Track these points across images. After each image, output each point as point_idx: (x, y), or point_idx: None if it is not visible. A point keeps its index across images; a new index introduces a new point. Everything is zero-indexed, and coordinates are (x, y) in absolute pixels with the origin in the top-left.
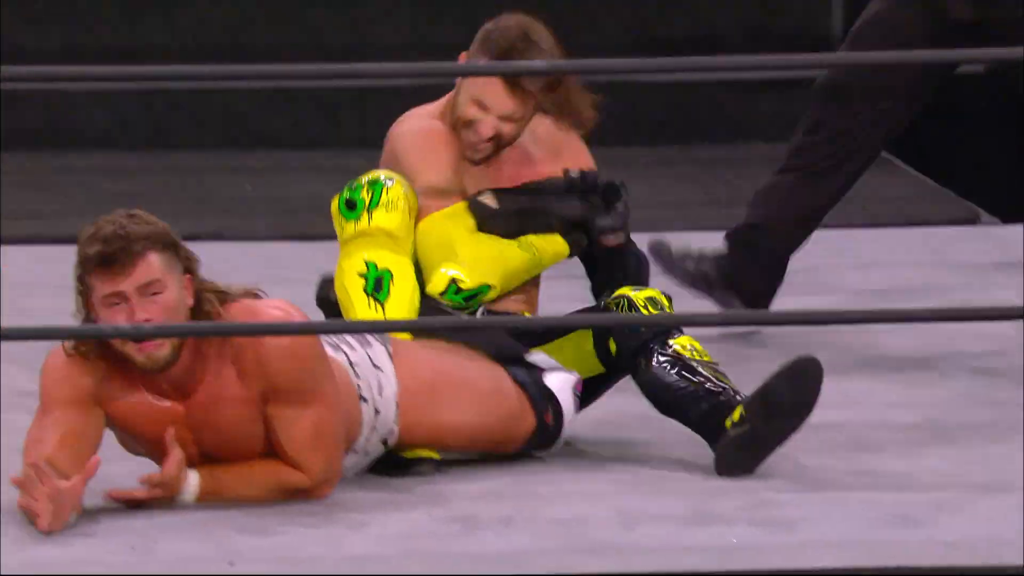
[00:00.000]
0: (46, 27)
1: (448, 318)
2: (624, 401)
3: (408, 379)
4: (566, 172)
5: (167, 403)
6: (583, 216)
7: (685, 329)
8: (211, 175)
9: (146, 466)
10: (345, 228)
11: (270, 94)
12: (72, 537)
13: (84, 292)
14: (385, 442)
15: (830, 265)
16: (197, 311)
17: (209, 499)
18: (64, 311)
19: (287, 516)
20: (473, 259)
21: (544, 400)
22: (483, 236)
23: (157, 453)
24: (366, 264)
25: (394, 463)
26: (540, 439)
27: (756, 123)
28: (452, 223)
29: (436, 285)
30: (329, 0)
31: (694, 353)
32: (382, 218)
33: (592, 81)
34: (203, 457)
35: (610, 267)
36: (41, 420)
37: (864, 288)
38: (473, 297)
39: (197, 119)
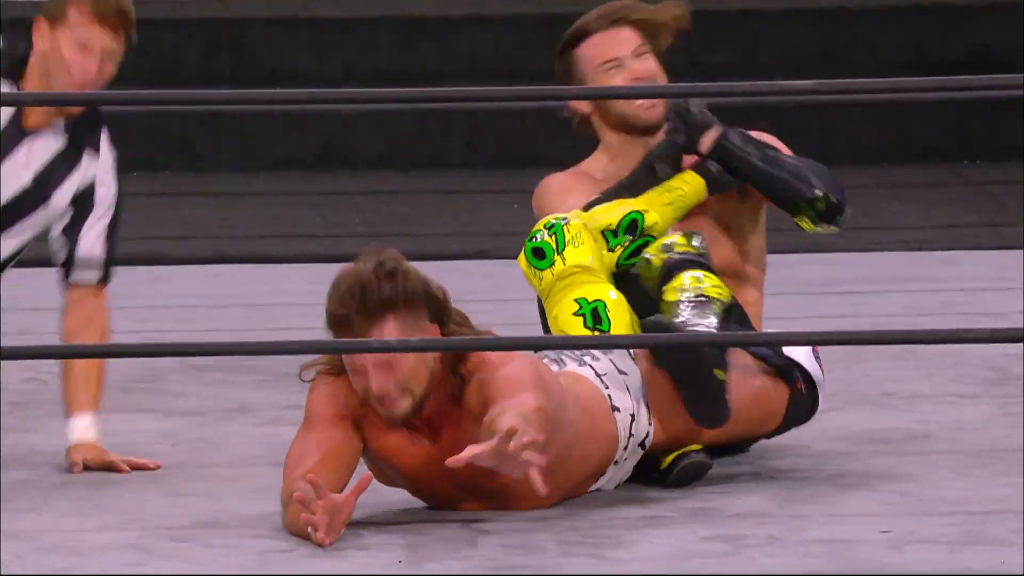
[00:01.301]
0: (328, 54)
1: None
2: (889, 416)
3: (653, 377)
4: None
5: (419, 439)
6: (673, 141)
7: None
8: (481, 196)
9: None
10: (543, 277)
11: (540, 116)
12: (343, 550)
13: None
14: (643, 444)
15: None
16: (442, 364)
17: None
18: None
19: (553, 532)
20: (608, 210)
21: (790, 368)
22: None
23: (411, 486)
24: (577, 303)
25: (659, 469)
26: (798, 410)
27: None
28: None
29: (606, 256)
30: None
31: (677, 293)
32: (573, 255)
33: (865, 101)
34: (457, 489)
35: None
36: (304, 437)
37: None
38: (633, 228)
39: (468, 141)
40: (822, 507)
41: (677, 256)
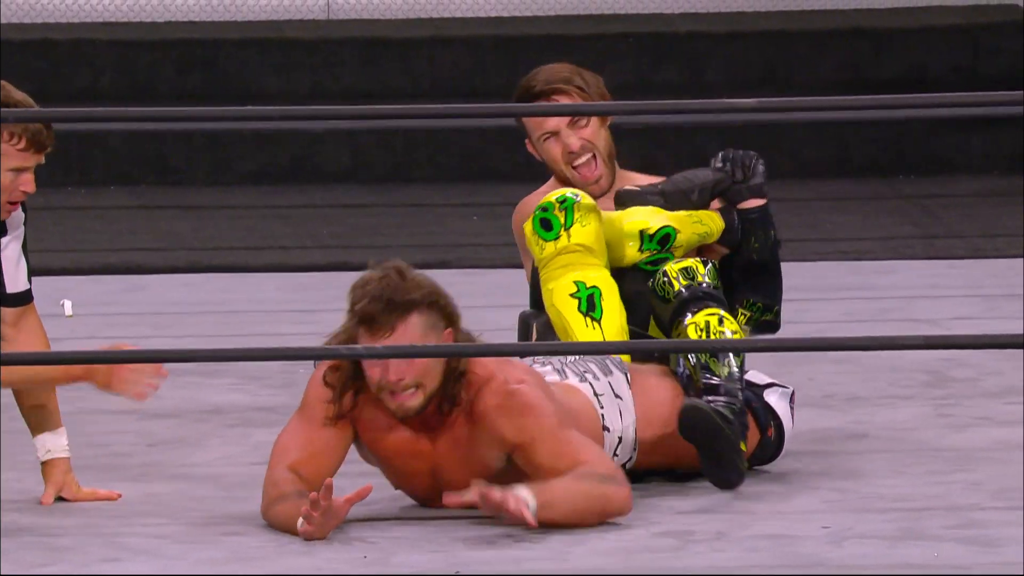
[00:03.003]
0: (296, 73)
1: (534, 344)
2: (830, 418)
3: (644, 406)
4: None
5: (415, 437)
6: (722, 180)
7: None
8: (444, 208)
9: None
10: (545, 248)
11: (499, 132)
12: (312, 546)
13: (349, 333)
14: (624, 466)
15: None
16: (448, 366)
17: (545, 509)
18: (303, 333)
19: (512, 531)
20: (648, 214)
21: (767, 416)
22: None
23: (401, 481)
24: (576, 284)
25: None
26: (764, 452)
27: (964, 158)
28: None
29: (630, 250)
30: (557, 43)
31: (702, 334)
32: (579, 233)
33: (804, 119)
34: (443, 488)
35: (747, 277)
36: (296, 428)
37: None
38: (665, 241)
39: (431, 156)
40: (767, 504)
41: (697, 288)
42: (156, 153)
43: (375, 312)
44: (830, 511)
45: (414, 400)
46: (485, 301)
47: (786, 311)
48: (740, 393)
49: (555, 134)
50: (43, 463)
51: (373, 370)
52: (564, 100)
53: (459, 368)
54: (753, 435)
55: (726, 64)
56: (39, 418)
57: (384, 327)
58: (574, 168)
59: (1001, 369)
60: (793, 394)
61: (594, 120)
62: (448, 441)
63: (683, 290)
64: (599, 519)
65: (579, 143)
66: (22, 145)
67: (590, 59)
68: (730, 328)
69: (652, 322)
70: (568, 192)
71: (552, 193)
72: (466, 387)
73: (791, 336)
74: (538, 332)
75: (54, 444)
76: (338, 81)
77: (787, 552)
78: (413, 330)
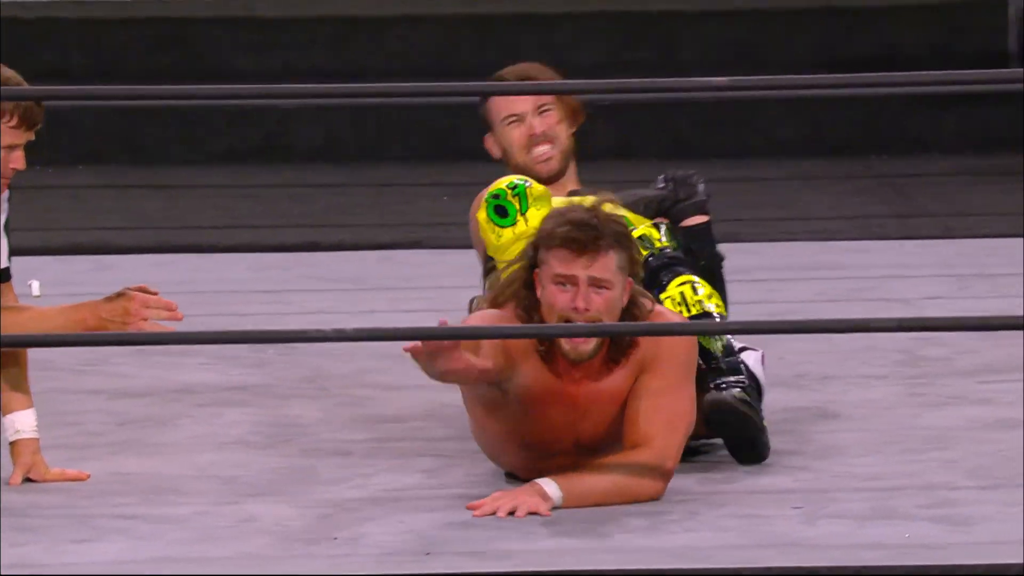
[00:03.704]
0: (267, 51)
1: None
2: (803, 397)
3: None
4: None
5: (563, 383)
6: (666, 198)
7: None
8: (415, 188)
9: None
10: (503, 234)
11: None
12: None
13: (530, 260)
14: None
15: (1005, 274)
16: (627, 311)
17: (574, 503)
18: (274, 313)
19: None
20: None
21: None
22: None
23: (528, 421)
24: None
25: None
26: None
27: (937, 138)
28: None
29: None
30: (529, 22)
31: (681, 308)
32: (536, 217)
33: (777, 97)
34: (576, 445)
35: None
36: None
37: None
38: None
39: (403, 135)
40: (739, 484)
41: (661, 255)
42: (126, 132)
43: (578, 238)
44: (802, 490)
45: (589, 344)
46: (457, 281)
47: (757, 291)
48: (741, 365)
49: (520, 119)
50: (11, 443)
51: (561, 295)
52: None
53: (638, 317)
54: None
55: (700, 43)
56: (9, 397)
57: (586, 256)
58: (532, 158)
59: (975, 348)
60: (763, 356)
61: (559, 115)
62: (592, 391)
63: (648, 259)
64: (628, 503)
65: (542, 128)
66: (14, 123)
67: (564, 38)
68: (705, 292)
69: None
70: (516, 179)
71: (500, 181)
72: (643, 342)
73: (763, 317)
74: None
75: (23, 424)
76: (310, 60)
77: (759, 531)
78: (610, 264)
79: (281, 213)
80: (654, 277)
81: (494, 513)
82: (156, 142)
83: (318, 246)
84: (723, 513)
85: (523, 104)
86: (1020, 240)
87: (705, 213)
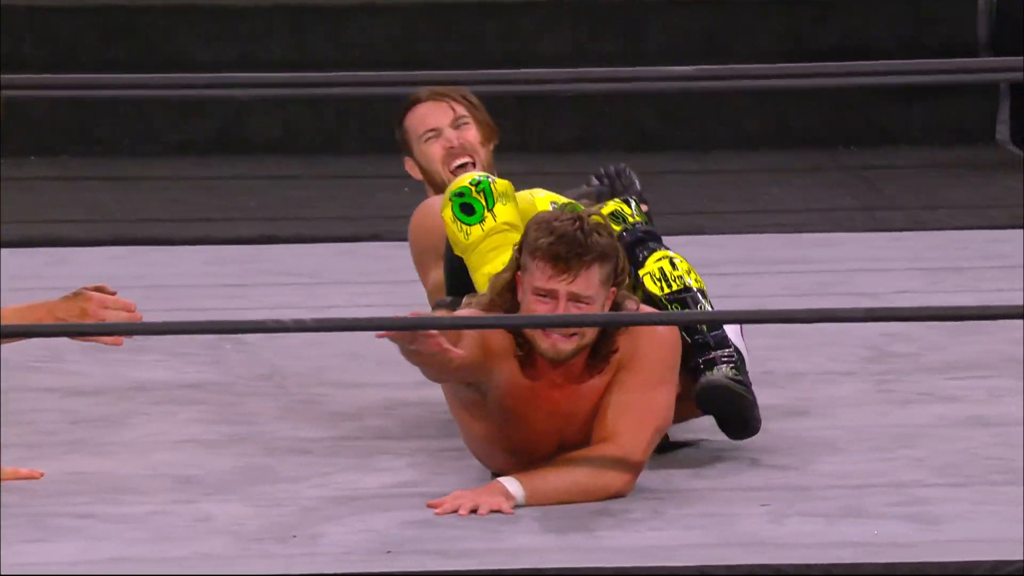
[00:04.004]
0: (224, 41)
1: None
2: (770, 394)
3: None
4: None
5: (542, 386)
6: (604, 191)
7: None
8: (374, 180)
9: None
10: (471, 232)
11: None
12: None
13: (517, 264)
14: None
15: (975, 268)
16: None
17: (536, 502)
18: (230, 308)
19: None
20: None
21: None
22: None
23: (510, 425)
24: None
25: None
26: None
27: (905, 130)
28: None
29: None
30: (491, 11)
31: (661, 283)
32: (504, 212)
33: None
34: (561, 449)
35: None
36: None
37: (1009, 287)
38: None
39: (363, 127)
40: (705, 481)
41: (634, 231)
42: (79, 123)
43: (561, 254)
44: (769, 488)
45: (569, 344)
46: (413, 276)
47: (722, 285)
48: (727, 339)
49: (437, 133)
50: None
51: (540, 307)
52: (447, 103)
53: (609, 335)
54: None
55: (664, 33)
56: None
57: (568, 272)
58: (452, 172)
59: (943, 344)
60: (742, 328)
61: (477, 132)
62: (581, 399)
63: (622, 235)
64: (593, 500)
65: (459, 141)
66: None
67: (525, 28)
68: (684, 267)
69: None
70: (477, 175)
71: (463, 178)
72: (620, 343)
73: (727, 310)
74: None
75: None
76: (267, 51)
77: (726, 530)
78: (592, 280)
79: (238, 206)
80: (630, 253)
81: (455, 511)
82: (110, 133)
83: (276, 239)
84: (689, 512)
85: (440, 118)
86: (990, 233)
87: (645, 202)
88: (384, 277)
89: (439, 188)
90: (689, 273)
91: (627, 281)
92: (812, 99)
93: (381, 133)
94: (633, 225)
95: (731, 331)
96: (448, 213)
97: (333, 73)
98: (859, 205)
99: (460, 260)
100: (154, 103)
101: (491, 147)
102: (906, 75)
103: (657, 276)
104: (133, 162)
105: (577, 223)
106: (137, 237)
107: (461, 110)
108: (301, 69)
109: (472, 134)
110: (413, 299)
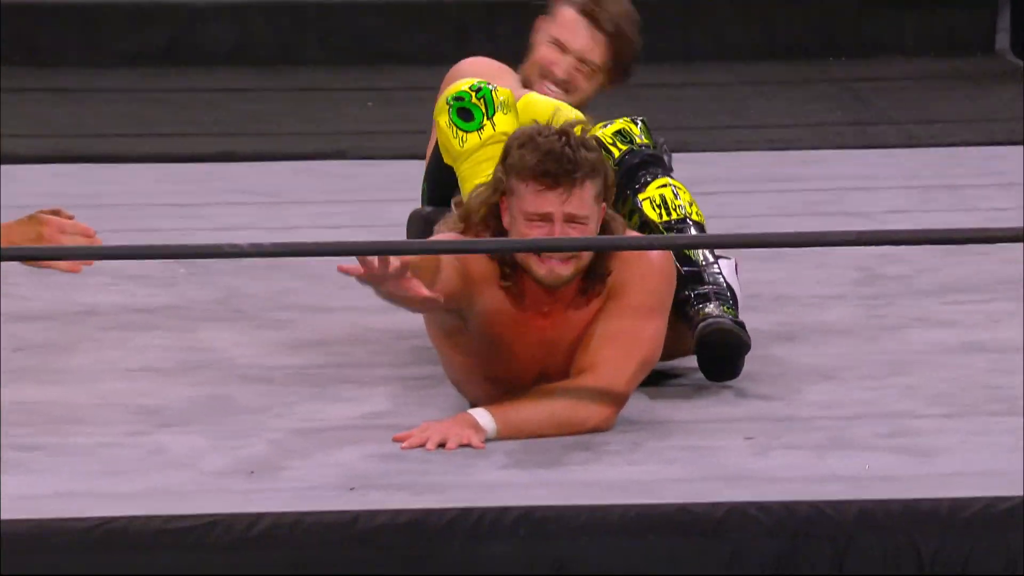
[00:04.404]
0: None
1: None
2: (755, 319)
3: None
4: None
5: (530, 316)
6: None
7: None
8: (337, 93)
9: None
10: (467, 139)
11: (398, 11)
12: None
13: (500, 187)
14: None
15: (971, 186)
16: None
17: (509, 435)
18: (185, 228)
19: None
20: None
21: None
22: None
23: (491, 352)
24: None
25: None
26: None
27: (897, 39)
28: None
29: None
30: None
31: (660, 210)
32: (503, 122)
33: None
34: (542, 379)
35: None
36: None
37: (1008, 206)
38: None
39: (323, 36)
40: (686, 412)
41: (638, 152)
42: (21, 31)
43: (552, 172)
44: (753, 419)
45: (567, 268)
46: (385, 194)
47: (707, 205)
48: (720, 277)
49: (562, 49)
50: None
51: (535, 232)
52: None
53: (601, 259)
54: None
55: None
56: None
57: (561, 190)
58: (538, 84)
59: (937, 265)
60: (737, 265)
61: (594, 78)
62: (560, 321)
63: (625, 156)
64: (570, 434)
65: (566, 74)
66: None
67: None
68: (686, 198)
69: None
70: (477, 81)
71: (462, 82)
72: (615, 268)
73: (713, 231)
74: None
75: None
76: None
77: (707, 463)
78: (586, 197)
79: (192, 120)
80: (632, 175)
81: (423, 445)
82: (54, 42)
83: (233, 156)
84: (668, 444)
85: (574, 38)
86: (987, 149)
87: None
88: (349, 196)
89: (526, 82)
90: (691, 205)
91: (612, 198)
92: (798, 6)
93: (343, 42)
94: (640, 147)
95: (725, 268)
96: (444, 118)
97: None
98: (849, 120)
99: (446, 171)
100: (100, 8)
101: (600, 86)
102: None
103: (657, 202)
104: (79, 73)
105: (564, 138)
106: (85, 153)
107: (591, 46)
108: None
109: (583, 79)
110: (382, 220)
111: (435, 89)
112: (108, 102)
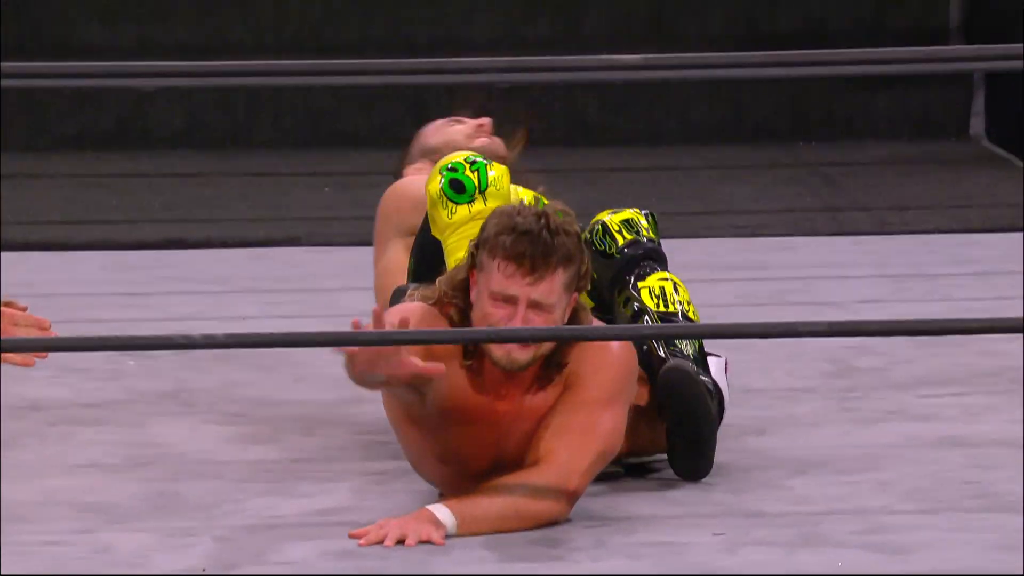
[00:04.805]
0: (121, 24)
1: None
2: (725, 412)
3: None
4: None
5: (487, 398)
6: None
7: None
8: (290, 178)
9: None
10: (456, 211)
11: (354, 92)
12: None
13: (473, 262)
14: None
15: (946, 274)
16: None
17: (468, 530)
18: (132, 319)
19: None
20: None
21: (718, 393)
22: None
23: (446, 432)
24: None
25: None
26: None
27: (869, 121)
28: None
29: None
30: None
31: (658, 300)
32: (495, 197)
33: (695, 78)
34: (495, 465)
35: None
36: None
37: (983, 296)
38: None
39: (276, 119)
40: (653, 507)
41: (642, 244)
42: None
43: (525, 255)
44: (723, 515)
45: (525, 354)
46: (340, 283)
47: None
48: (708, 372)
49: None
50: None
51: (497, 312)
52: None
53: (561, 350)
54: None
55: (606, 15)
56: None
57: (531, 276)
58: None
59: (911, 357)
60: (727, 364)
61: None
62: (524, 415)
63: (627, 247)
64: (528, 528)
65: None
66: None
67: (454, 11)
68: (684, 296)
69: None
70: (471, 154)
71: (457, 154)
72: (574, 358)
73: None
74: None
75: None
76: (170, 33)
77: (674, 560)
78: (555, 286)
79: (139, 206)
80: (633, 264)
81: (380, 542)
82: None
83: (182, 243)
84: (635, 540)
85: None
86: (961, 236)
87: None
88: (303, 285)
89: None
90: (689, 303)
91: (588, 287)
92: (767, 89)
93: (297, 125)
94: (646, 240)
95: (713, 366)
96: (435, 186)
97: (244, 62)
98: (820, 205)
99: (434, 244)
100: (45, 92)
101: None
102: (870, 64)
103: (656, 292)
104: (23, 157)
105: (543, 219)
106: (28, 240)
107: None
108: (207, 53)
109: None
110: (336, 310)
111: (391, 173)
112: (51, 187)
